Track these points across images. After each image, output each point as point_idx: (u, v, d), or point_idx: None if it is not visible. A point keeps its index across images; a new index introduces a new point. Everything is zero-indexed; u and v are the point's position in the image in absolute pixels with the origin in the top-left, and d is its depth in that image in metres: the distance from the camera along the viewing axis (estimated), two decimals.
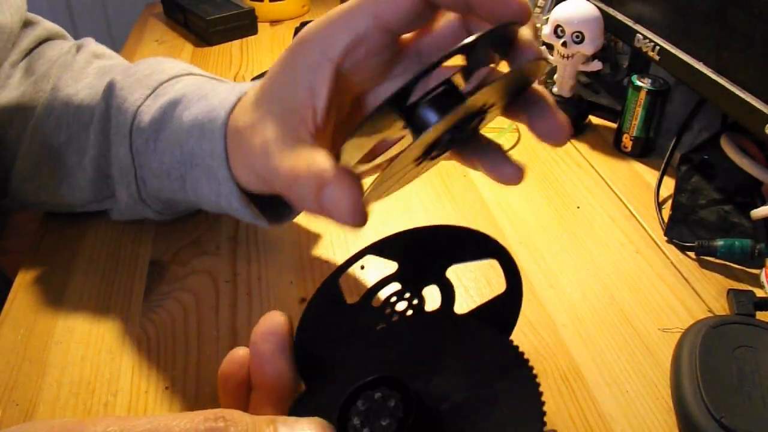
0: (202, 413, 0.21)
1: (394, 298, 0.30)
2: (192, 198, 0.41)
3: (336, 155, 0.30)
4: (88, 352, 0.39)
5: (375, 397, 0.23)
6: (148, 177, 0.42)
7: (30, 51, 0.51)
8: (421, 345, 0.28)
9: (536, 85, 0.31)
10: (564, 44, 0.61)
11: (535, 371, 0.23)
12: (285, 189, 0.32)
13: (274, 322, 0.28)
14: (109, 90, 0.43)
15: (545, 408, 0.22)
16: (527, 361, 0.24)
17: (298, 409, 0.27)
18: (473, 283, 0.44)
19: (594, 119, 0.67)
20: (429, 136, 0.24)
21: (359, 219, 0.29)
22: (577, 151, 0.62)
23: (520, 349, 0.25)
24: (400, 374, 0.24)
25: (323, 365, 0.28)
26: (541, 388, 0.23)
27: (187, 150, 0.39)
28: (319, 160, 0.30)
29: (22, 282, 0.45)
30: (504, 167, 0.32)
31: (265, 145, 0.32)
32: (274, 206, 0.41)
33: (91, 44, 0.52)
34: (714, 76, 0.47)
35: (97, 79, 0.47)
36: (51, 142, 0.46)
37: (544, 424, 0.22)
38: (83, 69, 0.48)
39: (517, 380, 0.24)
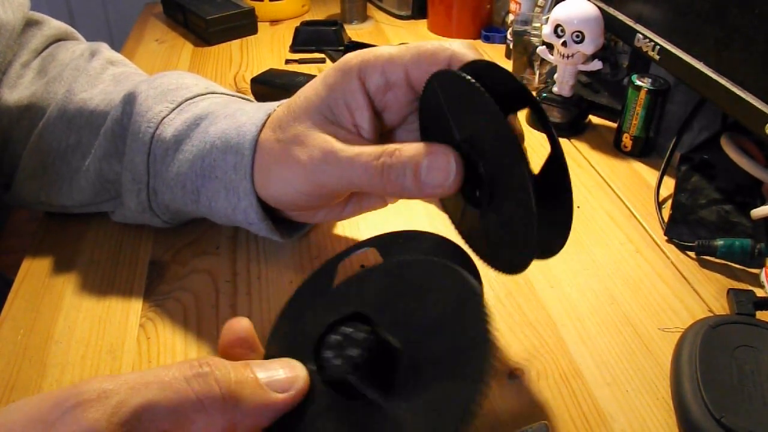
0: (187, 362, 0.23)
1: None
2: (204, 210, 0.42)
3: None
4: (88, 352, 0.39)
5: (347, 331, 0.25)
6: (160, 187, 0.42)
7: (41, 51, 0.51)
8: (390, 287, 0.30)
9: None
10: (564, 44, 0.61)
11: (484, 303, 0.25)
12: (365, 182, 0.34)
13: (239, 327, 0.28)
14: (130, 98, 0.43)
15: (493, 338, 0.24)
16: (476, 292, 0.25)
17: (276, 343, 0.30)
18: None
19: (594, 119, 0.67)
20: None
21: (460, 180, 0.32)
22: (577, 151, 0.62)
23: (473, 283, 0.26)
24: (370, 312, 0.26)
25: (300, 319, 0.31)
26: (489, 317, 0.24)
27: (208, 162, 0.40)
28: (406, 145, 0.33)
29: (22, 282, 0.45)
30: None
31: (329, 149, 0.35)
32: (284, 222, 0.43)
33: (106, 50, 0.52)
34: (714, 76, 0.47)
35: (112, 85, 0.47)
36: (60, 143, 0.46)
37: (488, 350, 0.23)
38: (99, 75, 0.48)
39: (467, 311, 0.25)
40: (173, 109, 0.42)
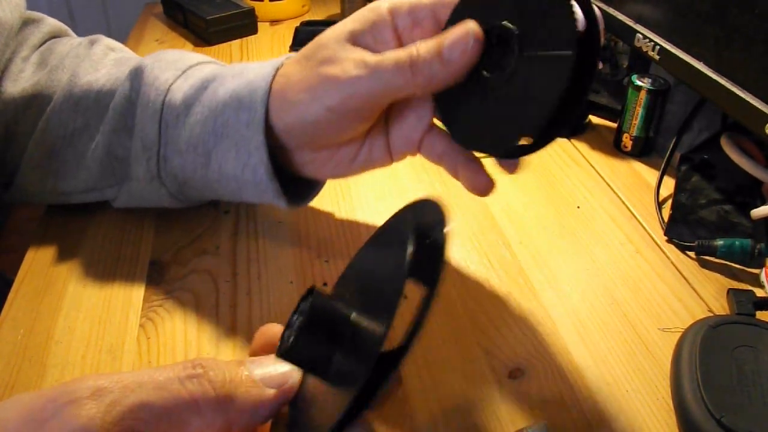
0: (180, 363, 0.23)
1: None
2: (212, 176, 0.42)
3: None
4: (88, 352, 0.39)
5: (302, 307, 0.27)
6: (171, 154, 0.43)
7: (39, 46, 0.52)
8: (365, 256, 0.32)
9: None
10: None
11: (404, 293, 0.25)
12: (396, 81, 0.35)
13: (270, 334, 0.28)
14: (137, 72, 0.44)
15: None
16: (401, 262, 0.26)
17: None
18: (473, 283, 0.44)
19: (594, 119, 0.67)
20: None
21: (480, 43, 0.34)
22: (577, 151, 0.62)
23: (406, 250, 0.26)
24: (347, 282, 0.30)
25: None
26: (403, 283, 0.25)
27: (221, 122, 0.40)
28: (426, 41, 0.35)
29: (22, 282, 0.45)
30: (479, 177, 0.39)
31: (360, 59, 0.36)
32: (290, 189, 0.43)
33: (104, 39, 0.53)
34: (714, 76, 0.47)
35: (115, 68, 0.48)
36: (66, 128, 0.46)
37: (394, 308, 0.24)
38: (101, 60, 0.49)
39: (394, 273, 0.26)
40: (179, 76, 0.43)
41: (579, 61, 0.30)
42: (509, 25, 0.33)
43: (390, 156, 0.42)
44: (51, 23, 0.54)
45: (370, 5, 0.38)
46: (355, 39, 0.37)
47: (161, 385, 0.22)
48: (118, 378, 0.22)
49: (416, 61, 0.34)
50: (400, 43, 0.37)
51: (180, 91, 0.42)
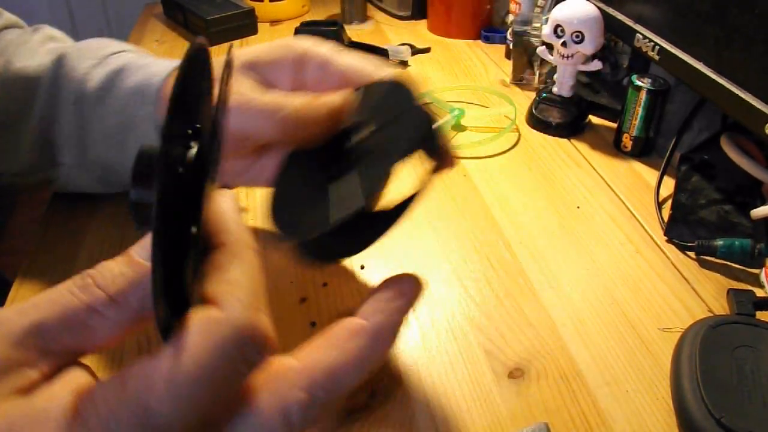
0: (70, 279, 0.22)
1: None
2: (130, 164, 0.42)
3: None
4: None
5: None
6: (91, 142, 0.44)
7: None
8: None
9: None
10: (564, 44, 0.61)
11: None
12: (254, 117, 0.35)
13: None
14: (60, 61, 0.46)
15: None
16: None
17: None
18: (473, 283, 0.44)
19: (594, 119, 0.68)
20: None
21: (343, 108, 0.34)
22: (577, 151, 0.62)
23: None
24: None
25: None
26: None
27: (128, 114, 0.43)
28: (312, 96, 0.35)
29: (22, 282, 0.45)
30: None
31: (247, 95, 0.36)
32: None
33: (48, 29, 0.54)
34: (714, 76, 0.47)
35: (47, 56, 0.49)
36: (2, 112, 0.47)
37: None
38: (38, 48, 0.50)
39: None
40: (95, 65, 0.45)
41: (356, 224, 0.28)
42: (366, 142, 0.31)
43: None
44: (7, 17, 0.55)
45: (289, 40, 0.38)
46: (255, 68, 0.37)
47: (53, 300, 0.22)
48: (12, 306, 0.22)
49: (276, 109, 0.34)
50: (297, 88, 0.37)
51: (93, 80, 0.44)
